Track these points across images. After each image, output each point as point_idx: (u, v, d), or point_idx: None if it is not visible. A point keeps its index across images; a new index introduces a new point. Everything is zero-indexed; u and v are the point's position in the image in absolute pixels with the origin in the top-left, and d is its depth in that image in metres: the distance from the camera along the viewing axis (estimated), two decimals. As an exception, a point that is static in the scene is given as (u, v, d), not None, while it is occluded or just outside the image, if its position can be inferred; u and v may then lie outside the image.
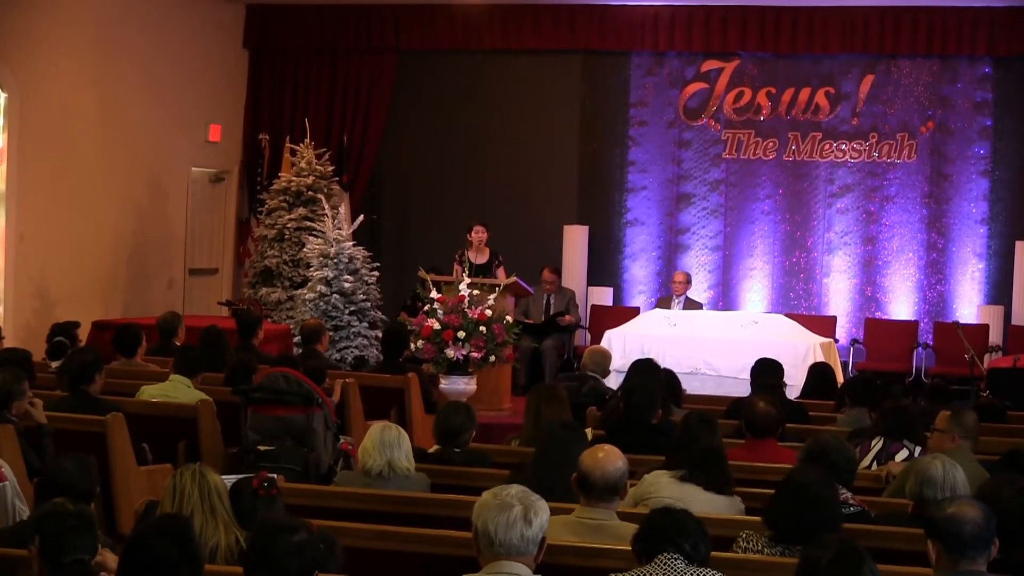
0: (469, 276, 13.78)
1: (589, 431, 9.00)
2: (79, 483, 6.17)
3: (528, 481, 7.03)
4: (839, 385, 12.05)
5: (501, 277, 15.16)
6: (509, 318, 13.31)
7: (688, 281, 17.15)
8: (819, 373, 12.24)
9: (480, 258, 15.84)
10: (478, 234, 15.94)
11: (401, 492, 7.19)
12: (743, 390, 11.68)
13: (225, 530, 5.73)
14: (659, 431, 8.84)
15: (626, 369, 11.24)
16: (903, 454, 8.22)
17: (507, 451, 8.79)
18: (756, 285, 17.97)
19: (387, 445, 7.38)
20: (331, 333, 14.98)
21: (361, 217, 16.45)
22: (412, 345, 12.88)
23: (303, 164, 17.55)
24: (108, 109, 16.72)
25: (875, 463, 8.34)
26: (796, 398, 11.84)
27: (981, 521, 5.13)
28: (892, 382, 11.76)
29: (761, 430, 8.35)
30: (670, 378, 10.60)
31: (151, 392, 10.18)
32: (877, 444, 8.41)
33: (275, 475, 6.37)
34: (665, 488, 6.93)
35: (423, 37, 18.86)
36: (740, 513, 6.96)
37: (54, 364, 11.17)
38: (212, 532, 5.69)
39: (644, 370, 10.43)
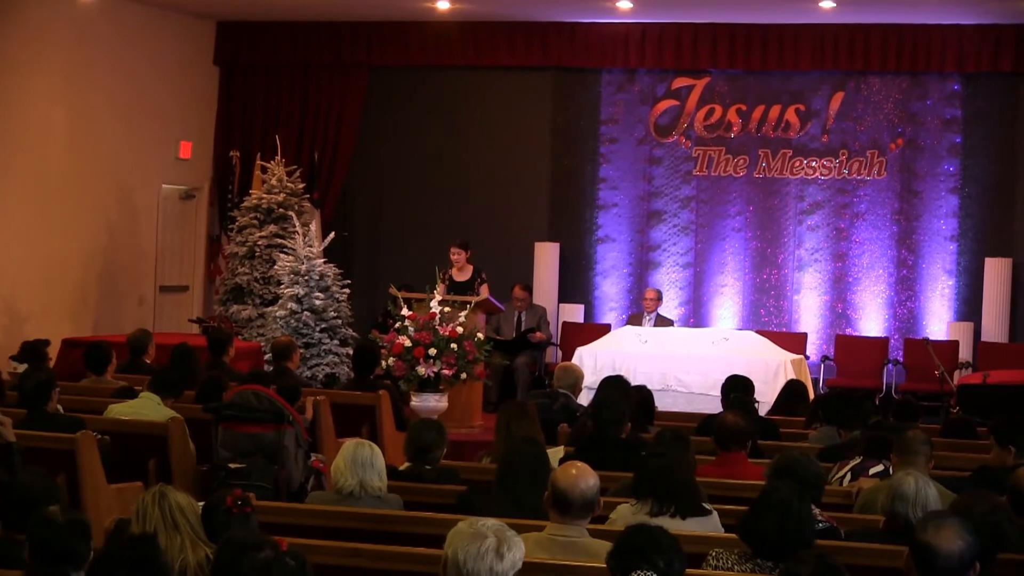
0: (448, 293, 13.81)
1: (561, 448, 9.00)
2: (43, 493, 6.12)
3: (495, 498, 7.06)
4: (810, 402, 12.08)
5: (483, 293, 15.19)
6: (480, 335, 13.30)
7: (659, 298, 17.16)
8: (792, 390, 12.25)
9: (462, 275, 15.95)
10: (455, 256, 16.08)
11: (372, 510, 7.16)
12: (714, 407, 11.68)
13: (193, 547, 5.69)
14: (629, 447, 8.83)
15: (597, 386, 11.23)
16: (878, 468, 8.23)
17: (478, 468, 8.77)
18: (727, 302, 17.99)
19: (359, 464, 7.30)
20: (302, 350, 14.97)
21: (332, 234, 16.44)
22: (383, 362, 12.86)
23: (274, 181, 17.52)
24: (78, 126, 16.67)
25: (850, 474, 8.35)
26: (767, 413, 11.86)
27: (959, 551, 5.05)
28: (863, 399, 11.75)
29: (729, 441, 8.35)
30: (644, 395, 10.59)
31: (120, 410, 10.13)
32: (856, 460, 8.42)
33: (249, 493, 6.33)
34: None
35: (395, 54, 18.84)
36: (717, 530, 6.93)
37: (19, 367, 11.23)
38: (179, 550, 5.66)
39: (612, 386, 10.43)
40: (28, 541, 5.23)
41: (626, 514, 6.83)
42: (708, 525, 6.87)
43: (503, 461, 7.40)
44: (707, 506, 6.94)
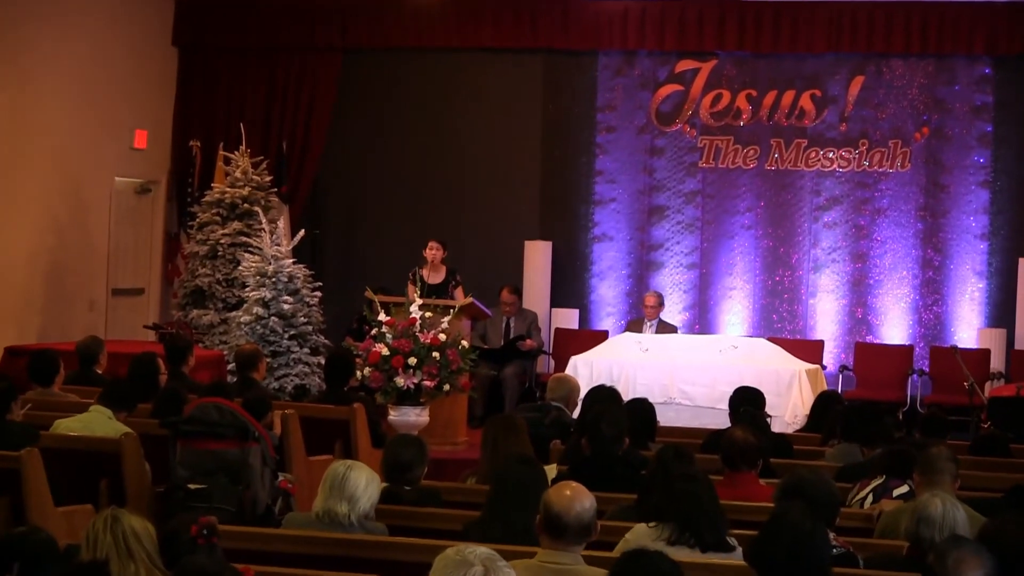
0: (422, 296, 13.77)
1: (554, 467, 8.98)
2: None
3: (485, 523, 7.05)
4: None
5: (459, 298, 15.15)
6: (465, 343, 13.29)
7: (661, 302, 17.15)
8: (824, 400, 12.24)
9: (435, 277, 15.85)
10: (432, 251, 15.97)
11: (345, 535, 7.13)
12: (722, 422, 11.65)
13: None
14: (627, 464, 8.82)
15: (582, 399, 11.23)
16: (903, 489, 8.22)
17: (462, 489, 8.77)
18: (736, 306, 18.00)
19: (332, 488, 7.23)
20: (269, 359, 14.94)
21: (302, 232, 16.45)
22: (358, 373, 12.84)
23: (238, 174, 17.50)
24: (23, 113, 16.64)
25: (871, 496, 8.34)
26: (798, 430, 11.89)
27: None
28: (885, 413, 11.74)
29: (738, 460, 8.33)
30: (645, 409, 10.57)
31: (68, 425, 10.09)
32: (878, 480, 8.41)
33: (214, 517, 6.29)
34: None
35: (370, 35, 18.83)
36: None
37: None
38: (132, 579, 5.65)
39: (608, 398, 10.42)
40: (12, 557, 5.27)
41: (643, 536, 6.81)
42: (735, 557, 6.85)
43: (495, 480, 7.39)
44: (731, 540, 6.89)
